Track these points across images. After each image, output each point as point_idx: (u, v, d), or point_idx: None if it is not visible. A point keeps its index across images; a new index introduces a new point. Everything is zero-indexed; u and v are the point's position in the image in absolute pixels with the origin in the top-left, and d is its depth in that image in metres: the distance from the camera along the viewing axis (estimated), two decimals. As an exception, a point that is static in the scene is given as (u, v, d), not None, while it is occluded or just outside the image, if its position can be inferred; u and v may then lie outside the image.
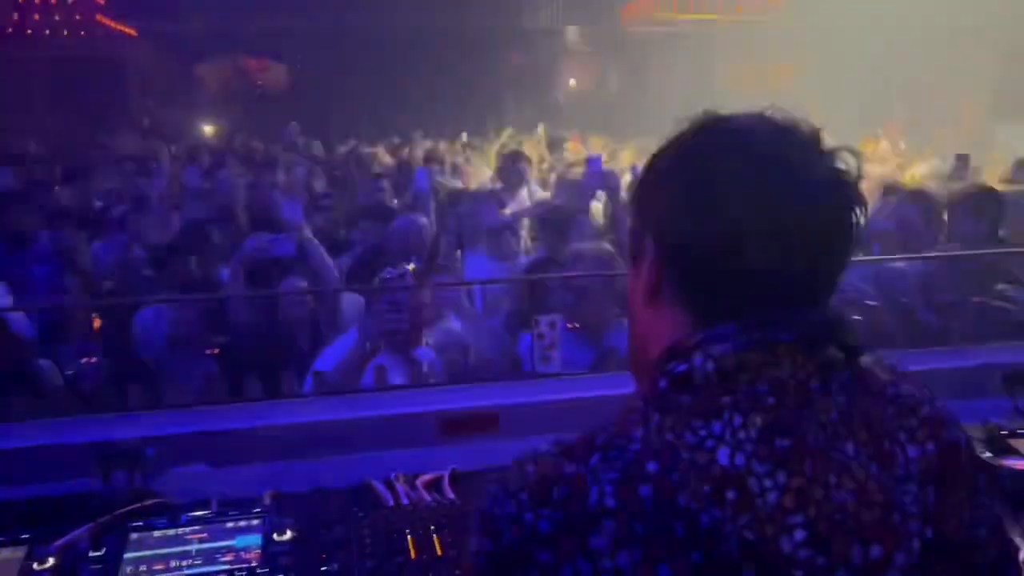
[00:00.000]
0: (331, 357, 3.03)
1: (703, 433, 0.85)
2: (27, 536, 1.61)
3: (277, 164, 7.40)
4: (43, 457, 2.06)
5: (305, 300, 3.47)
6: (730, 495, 0.81)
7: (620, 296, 3.32)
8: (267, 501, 1.89)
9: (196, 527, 1.65)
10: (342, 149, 10.01)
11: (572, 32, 16.78)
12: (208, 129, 13.49)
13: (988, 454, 1.82)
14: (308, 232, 3.94)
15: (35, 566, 1.52)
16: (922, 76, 12.55)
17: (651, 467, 0.82)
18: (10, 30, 11.87)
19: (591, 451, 0.85)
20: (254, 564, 1.54)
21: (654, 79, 15.46)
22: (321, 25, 13.92)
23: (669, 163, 0.98)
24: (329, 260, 3.90)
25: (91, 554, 1.57)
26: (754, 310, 0.91)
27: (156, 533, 1.63)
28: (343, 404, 2.41)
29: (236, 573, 1.52)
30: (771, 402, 0.87)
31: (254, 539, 1.61)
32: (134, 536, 1.62)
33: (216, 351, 3.01)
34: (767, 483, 0.83)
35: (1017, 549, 0.98)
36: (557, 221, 3.98)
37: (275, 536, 1.61)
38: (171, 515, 1.71)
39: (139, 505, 1.80)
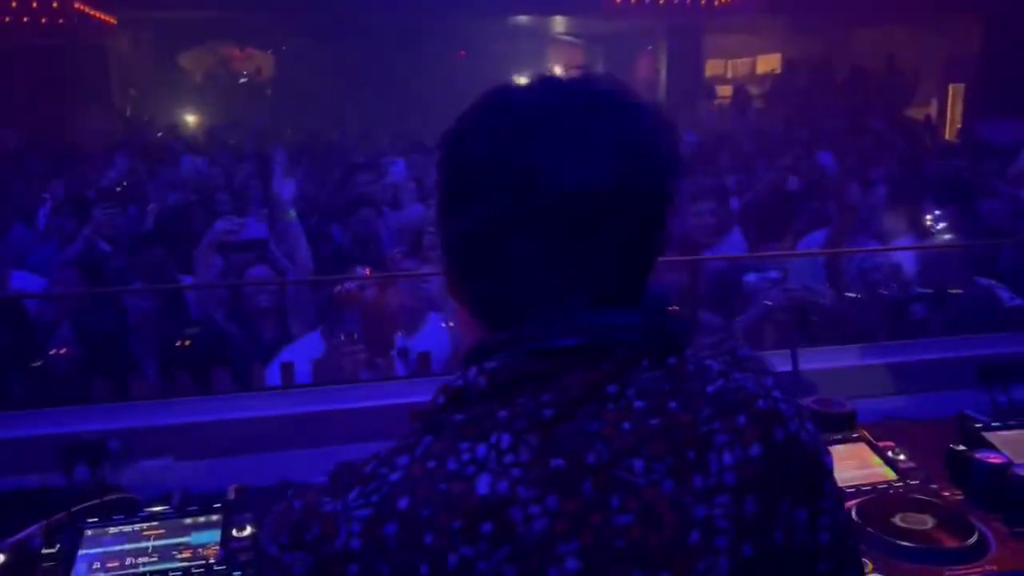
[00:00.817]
0: (299, 350, 3.00)
1: (466, 458, 0.76)
2: (-22, 533, 1.56)
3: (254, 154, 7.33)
4: (5, 451, 2.02)
5: (272, 289, 3.41)
6: (486, 528, 0.73)
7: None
8: (231, 495, 1.86)
9: (154, 523, 1.61)
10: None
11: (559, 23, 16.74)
12: (190, 118, 13.39)
13: (962, 447, 1.80)
14: (293, 213, 3.88)
15: (-15, 564, 1.47)
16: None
17: (402, 503, 0.74)
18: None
19: (353, 484, 0.77)
20: (211, 561, 1.51)
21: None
22: (304, 14, 13.79)
23: (447, 144, 0.86)
24: (306, 247, 3.85)
25: (44, 551, 1.53)
26: (540, 311, 0.80)
27: (112, 529, 1.59)
28: (312, 397, 2.38)
29: (193, 570, 1.48)
30: (548, 415, 0.77)
31: (212, 535, 1.57)
32: (89, 532, 1.58)
33: (187, 342, 2.96)
34: (533, 509, 0.74)
35: (858, 556, 0.88)
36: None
37: (234, 532, 1.57)
38: (129, 511, 1.67)
39: (97, 501, 1.76)
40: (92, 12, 12.23)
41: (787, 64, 14.33)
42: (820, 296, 2.65)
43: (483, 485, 0.74)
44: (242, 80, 16.65)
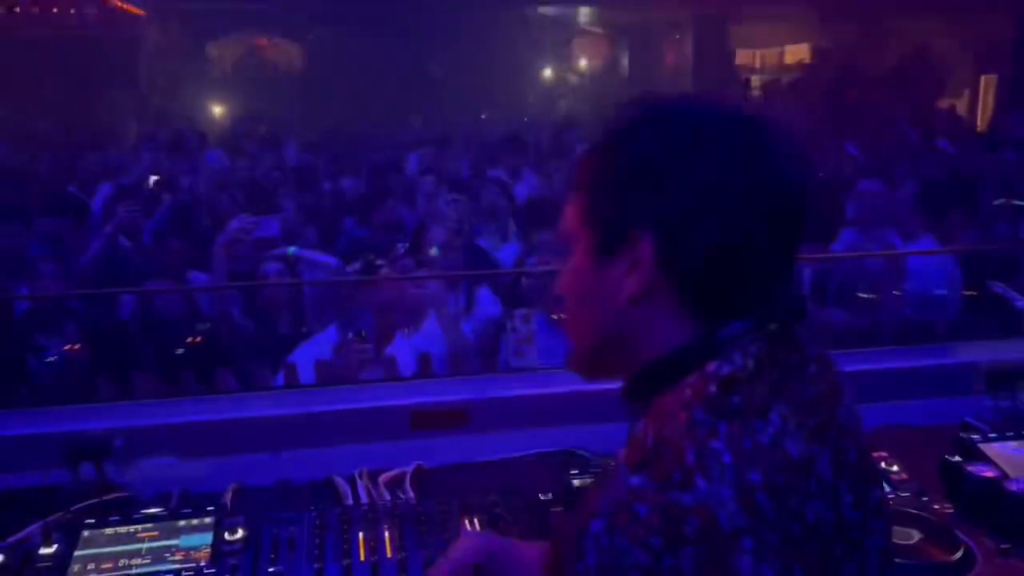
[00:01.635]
0: (316, 345, 3.03)
1: (771, 431, 0.87)
2: (-20, 532, 1.61)
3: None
4: (11, 448, 2.07)
5: (285, 289, 3.45)
6: (812, 484, 0.86)
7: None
8: (230, 494, 1.89)
9: (148, 525, 1.65)
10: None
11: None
12: (218, 109, 13.50)
13: (957, 459, 1.79)
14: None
15: (-17, 563, 1.52)
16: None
17: (754, 477, 0.83)
18: (17, 9, 11.91)
19: (690, 474, 0.82)
20: (202, 564, 1.54)
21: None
22: (331, 4, 13.85)
23: (657, 153, 0.93)
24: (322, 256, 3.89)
25: (41, 551, 1.57)
26: (759, 301, 0.93)
27: (108, 531, 1.63)
28: (314, 397, 2.40)
29: (184, 573, 1.52)
30: (791, 385, 0.90)
31: (205, 538, 1.60)
32: (86, 534, 1.62)
33: (197, 340, 3.01)
34: (820, 462, 0.88)
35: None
36: (541, 211, 3.94)
37: (226, 535, 1.60)
38: (125, 512, 1.71)
39: (96, 500, 1.80)
40: (122, 4, 12.38)
41: (817, 54, 14.12)
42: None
43: (792, 448, 0.86)
44: (270, 70, 16.75)
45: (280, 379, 2.76)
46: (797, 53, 15.12)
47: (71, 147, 7.38)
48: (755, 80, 14.54)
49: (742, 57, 15.97)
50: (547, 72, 16.17)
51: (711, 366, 0.89)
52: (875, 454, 1.87)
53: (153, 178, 5.52)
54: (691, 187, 0.91)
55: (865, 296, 3.38)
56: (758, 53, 16.23)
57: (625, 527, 0.80)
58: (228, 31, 16.10)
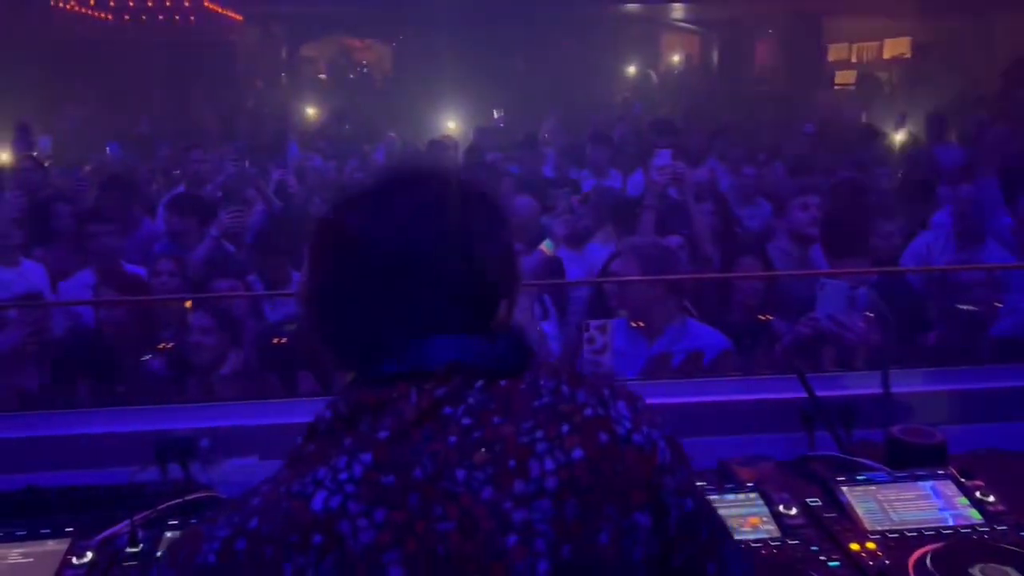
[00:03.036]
0: None
1: (308, 479, 0.85)
2: (71, 529, 1.68)
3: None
4: (103, 445, 2.16)
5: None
6: (316, 539, 0.81)
7: (680, 294, 3.21)
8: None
9: (227, 528, 1.68)
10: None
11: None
12: (312, 111, 13.85)
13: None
14: None
15: (74, 560, 1.59)
16: None
17: (252, 523, 0.84)
18: (127, 16, 12.53)
19: (227, 510, 0.88)
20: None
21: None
22: (419, 6, 14.03)
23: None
24: None
25: (128, 550, 1.63)
26: (379, 350, 0.91)
27: (189, 532, 1.67)
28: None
29: (259, 577, 1.54)
30: (383, 437, 0.86)
31: (280, 543, 1.63)
32: (168, 535, 1.67)
33: (283, 340, 3.09)
34: (361, 523, 0.82)
35: (721, 546, 0.95)
36: (627, 213, 3.89)
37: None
38: (211, 511, 1.75)
39: (180, 500, 1.86)
40: (220, 9, 12.87)
41: (917, 49, 13.55)
42: (847, 329, 2.50)
43: (318, 502, 0.83)
44: (362, 70, 17.11)
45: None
46: (896, 47, 14.53)
47: (172, 149, 7.67)
48: (849, 76, 14.05)
49: (837, 52, 15.46)
50: (635, 70, 16.00)
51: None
52: (970, 482, 1.77)
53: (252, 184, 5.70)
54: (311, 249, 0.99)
55: (965, 308, 3.21)
56: (854, 47, 15.68)
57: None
58: (321, 33, 16.52)
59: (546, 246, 3.95)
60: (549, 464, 0.86)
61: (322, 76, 16.49)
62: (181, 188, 5.87)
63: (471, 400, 0.89)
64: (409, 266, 0.92)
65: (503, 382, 0.91)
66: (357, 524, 0.82)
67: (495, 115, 9.58)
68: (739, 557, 0.99)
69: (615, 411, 0.92)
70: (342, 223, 0.96)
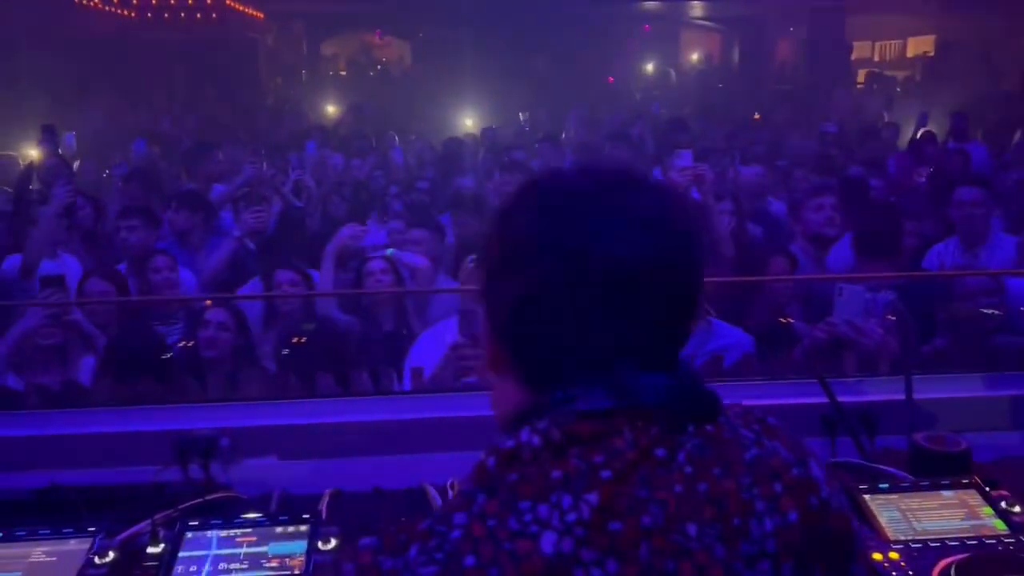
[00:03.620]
0: (422, 352, 3.05)
1: (528, 518, 0.77)
2: (93, 529, 1.69)
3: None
4: (122, 444, 2.18)
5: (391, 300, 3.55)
6: None
7: (707, 297, 3.20)
8: (326, 500, 1.93)
9: (247, 530, 1.70)
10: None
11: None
12: (331, 107, 13.90)
13: None
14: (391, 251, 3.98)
15: (96, 560, 1.60)
16: None
17: (468, 561, 0.76)
18: (149, 15, 12.64)
19: (411, 541, 0.79)
20: (296, 572, 1.58)
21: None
22: (443, 3, 14.07)
23: (493, 227, 0.93)
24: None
25: (149, 550, 1.64)
26: (586, 375, 0.85)
27: (209, 533, 1.68)
28: (411, 404, 2.43)
29: (279, 579, 1.56)
30: (606, 477, 0.80)
31: (299, 546, 1.64)
32: (189, 535, 1.68)
33: (303, 340, 3.10)
34: (595, 572, 0.76)
35: None
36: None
37: (319, 545, 1.64)
38: (227, 515, 1.77)
39: (200, 500, 1.88)
40: (242, 7, 12.94)
41: (941, 47, 13.40)
42: (865, 335, 2.47)
43: (548, 544, 0.76)
44: (380, 67, 17.15)
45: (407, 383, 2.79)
46: (920, 45, 14.39)
47: (194, 146, 7.73)
48: (873, 74, 13.91)
49: (860, 50, 15.32)
50: (654, 68, 15.93)
51: (502, 439, 0.84)
52: (995, 492, 1.75)
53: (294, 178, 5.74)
54: (495, 251, 0.91)
55: (988, 312, 3.17)
56: (877, 45, 15.54)
57: None
58: (341, 30, 16.58)
59: None
60: (768, 525, 0.83)
61: (342, 73, 16.53)
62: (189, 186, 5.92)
63: (690, 446, 0.84)
64: (629, 282, 0.84)
65: (709, 427, 0.86)
66: (592, 574, 0.76)
67: (521, 118, 9.54)
68: None
69: (814, 471, 0.88)
70: (558, 234, 0.86)
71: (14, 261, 4.13)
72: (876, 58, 15.26)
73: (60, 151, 7.37)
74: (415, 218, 4.42)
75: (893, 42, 15.06)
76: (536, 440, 0.82)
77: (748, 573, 0.81)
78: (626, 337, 0.85)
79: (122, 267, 4.14)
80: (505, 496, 0.79)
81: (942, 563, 1.51)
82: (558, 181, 0.92)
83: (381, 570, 0.78)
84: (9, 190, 6.46)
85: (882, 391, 2.29)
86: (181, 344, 3.23)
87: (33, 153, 7.70)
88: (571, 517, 0.77)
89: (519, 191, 0.93)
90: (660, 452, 0.83)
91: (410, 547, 0.79)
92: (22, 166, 7.42)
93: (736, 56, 16.24)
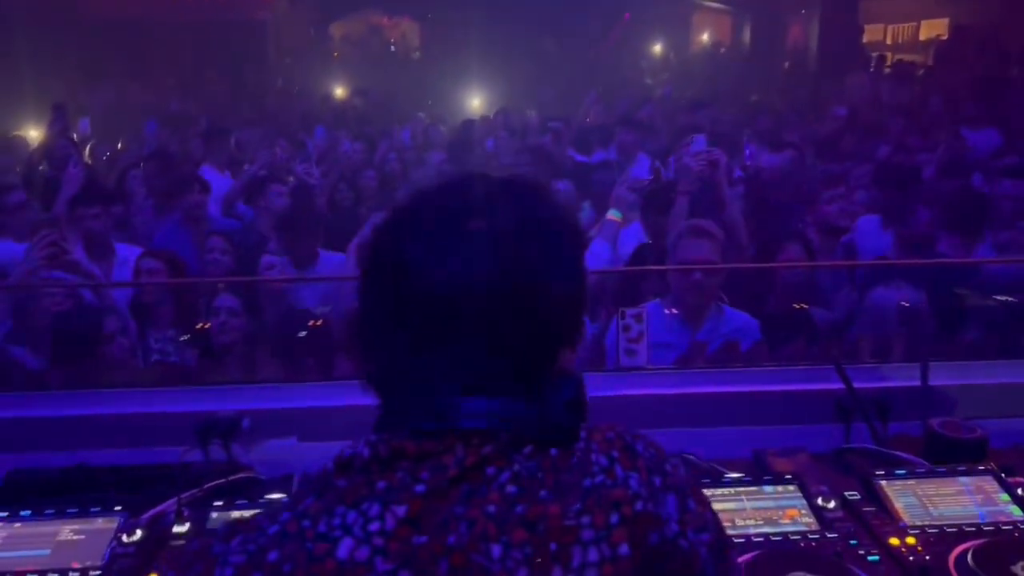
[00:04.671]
0: None
1: (336, 522, 0.80)
2: (120, 507, 1.72)
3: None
4: (146, 424, 2.21)
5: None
6: None
7: (723, 281, 3.21)
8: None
9: (271, 509, 1.72)
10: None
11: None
12: (339, 89, 13.87)
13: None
14: None
15: (124, 538, 1.63)
16: None
17: (272, 556, 0.80)
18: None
19: (243, 530, 0.84)
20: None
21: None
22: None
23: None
24: None
25: (175, 529, 1.67)
26: (417, 394, 0.86)
27: (235, 513, 1.71)
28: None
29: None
30: (419, 491, 0.81)
31: (323, 526, 1.66)
32: (214, 515, 1.70)
33: (319, 323, 3.12)
34: None
35: None
36: (661, 200, 3.87)
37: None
38: (250, 495, 1.79)
39: (224, 480, 1.90)
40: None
41: (955, 30, 13.27)
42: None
43: (343, 549, 0.79)
44: (391, 49, 17.07)
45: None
46: (934, 28, 14.26)
47: (210, 128, 7.74)
48: (885, 57, 13.79)
49: (872, 33, 15.18)
50: (665, 49, 15.83)
51: (346, 448, 0.88)
52: (1011, 478, 1.76)
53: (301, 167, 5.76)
54: (361, 265, 0.93)
55: (1001, 299, 3.16)
56: (890, 28, 15.40)
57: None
58: (350, 10, 16.49)
59: (613, 214, 3.92)
60: (593, 555, 0.80)
61: (350, 54, 16.47)
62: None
63: (517, 467, 0.83)
64: (455, 307, 0.84)
65: (553, 451, 0.85)
66: None
67: (530, 114, 9.50)
68: None
69: (664, 509, 0.84)
70: (389, 251, 0.89)
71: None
72: (889, 41, 15.13)
73: (75, 135, 7.37)
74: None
75: (906, 25, 14.93)
76: (366, 451, 0.85)
77: None
78: (455, 361, 0.86)
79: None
80: (329, 500, 0.83)
81: (959, 548, 1.53)
82: (414, 202, 0.92)
83: (208, 553, 0.83)
84: (18, 171, 6.48)
85: (897, 378, 2.30)
86: (198, 327, 3.25)
87: (34, 134, 7.71)
88: (374, 526, 0.80)
89: (394, 209, 0.94)
90: (490, 470, 0.83)
91: (238, 536, 0.84)
92: (31, 147, 7.45)
93: (748, 39, 16.11)
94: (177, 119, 9.13)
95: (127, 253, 4.04)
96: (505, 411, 0.85)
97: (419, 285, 0.85)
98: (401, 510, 0.80)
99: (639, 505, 0.83)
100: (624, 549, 0.81)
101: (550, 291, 0.87)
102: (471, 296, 0.84)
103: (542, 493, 0.82)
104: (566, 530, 0.80)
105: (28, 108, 9.13)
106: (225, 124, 8.09)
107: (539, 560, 0.79)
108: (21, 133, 8.41)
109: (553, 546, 0.80)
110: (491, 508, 0.81)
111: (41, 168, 6.37)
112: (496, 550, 0.79)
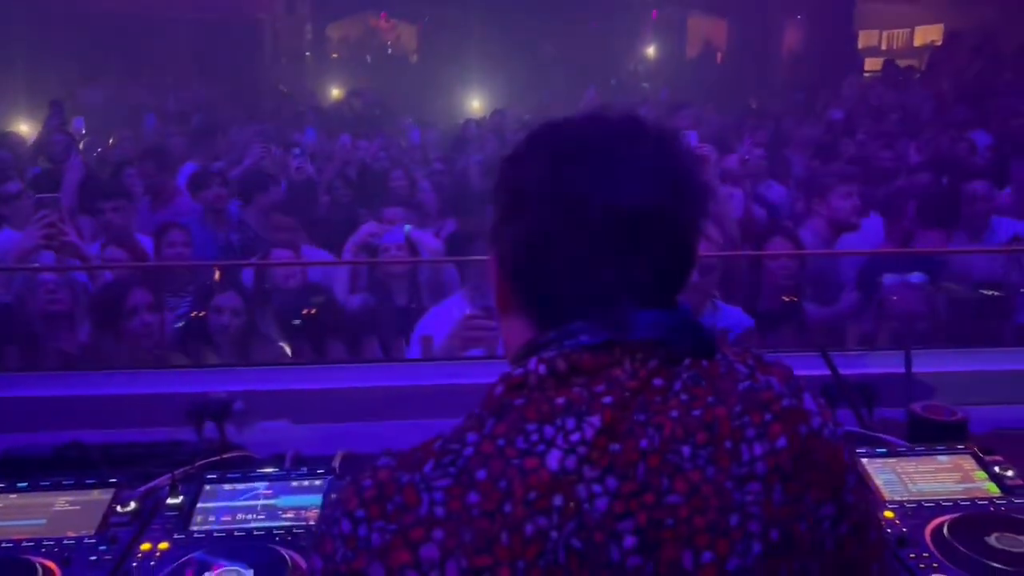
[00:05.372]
0: (444, 312, 3.09)
1: (535, 438, 0.83)
2: (115, 480, 1.75)
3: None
4: (142, 405, 2.24)
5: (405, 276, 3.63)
6: (557, 501, 0.80)
7: (719, 276, 3.25)
8: (338, 461, 1.99)
9: (264, 483, 1.75)
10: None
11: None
12: (336, 90, 13.90)
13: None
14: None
15: (118, 508, 1.65)
16: None
17: (480, 474, 0.82)
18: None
19: (426, 458, 0.85)
20: (311, 523, 1.63)
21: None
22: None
23: (500, 176, 0.98)
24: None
25: (168, 501, 1.70)
26: (588, 311, 0.90)
27: (227, 486, 1.74)
28: (419, 371, 2.49)
29: (295, 529, 1.61)
30: (607, 402, 0.85)
31: (315, 499, 1.69)
32: (208, 488, 1.73)
33: (313, 311, 3.15)
34: (596, 488, 0.82)
35: (882, 551, 0.95)
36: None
37: (333, 496, 1.68)
38: (244, 470, 1.82)
39: (218, 457, 1.93)
40: (249, -14, 12.91)
41: (949, 36, 13.35)
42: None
43: (553, 460, 0.82)
44: (388, 50, 17.12)
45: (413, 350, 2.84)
46: (928, 34, 14.35)
47: (202, 125, 7.76)
48: (877, 63, 13.88)
49: (866, 38, 15.28)
50: (660, 53, 15.89)
51: (511, 370, 0.90)
52: (988, 457, 1.80)
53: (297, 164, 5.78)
54: (503, 197, 0.96)
55: (987, 293, 3.21)
56: (884, 34, 15.49)
57: (342, 498, 0.85)
58: (347, 12, 16.53)
59: None
60: (758, 449, 0.87)
61: (347, 55, 16.50)
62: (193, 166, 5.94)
63: (685, 377, 0.89)
64: (629, 228, 0.90)
65: (704, 363, 0.91)
66: (593, 489, 0.82)
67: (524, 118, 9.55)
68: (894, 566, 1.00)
69: (807, 403, 0.92)
70: (560, 181, 0.91)
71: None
72: (883, 47, 15.22)
73: (69, 130, 7.40)
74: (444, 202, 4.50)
75: (901, 31, 15.03)
76: (543, 368, 0.88)
77: (737, 493, 0.85)
78: (625, 277, 0.91)
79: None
80: (513, 419, 0.85)
81: (935, 521, 1.56)
82: (564, 131, 0.96)
83: (400, 484, 0.83)
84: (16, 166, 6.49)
85: (882, 364, 2.34)
86: (193, 315, 3.28)
87: (26, 129, 7.72)
88: (575, 437, 0.83)
89: (528, 138, 0.97)
90: (658, 381, 0.88)
91: (425, 463, 0.84)
92: (28, 143, 7.47)
93: (742, 44, 16.18)
94: (173, 116, 9.15)
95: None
96: (668, 323, 0.91)
97: (594, 213, 0.89)
98: (595, 420, 0.84)
99: (785, 402, 0.91)
100: (781, 442, 0.88)
101: (697, 215, 0.94)
102: (641, 220, 0.90)
103: (709, 399, 0.88)
104: (734, 429, 0.88)
105: (23, 104, 9.14)
106: (219, 122, 8.12)
107: (720, 456, 0.86)
108: (15, 129, 8.43)
109: (728, 444, 0.87)
110: (674, 413, 0.87)
111: (39, 162, 6.38)
112: (686, 450, 0.85)
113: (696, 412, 0.87)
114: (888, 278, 3.27)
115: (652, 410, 0.86)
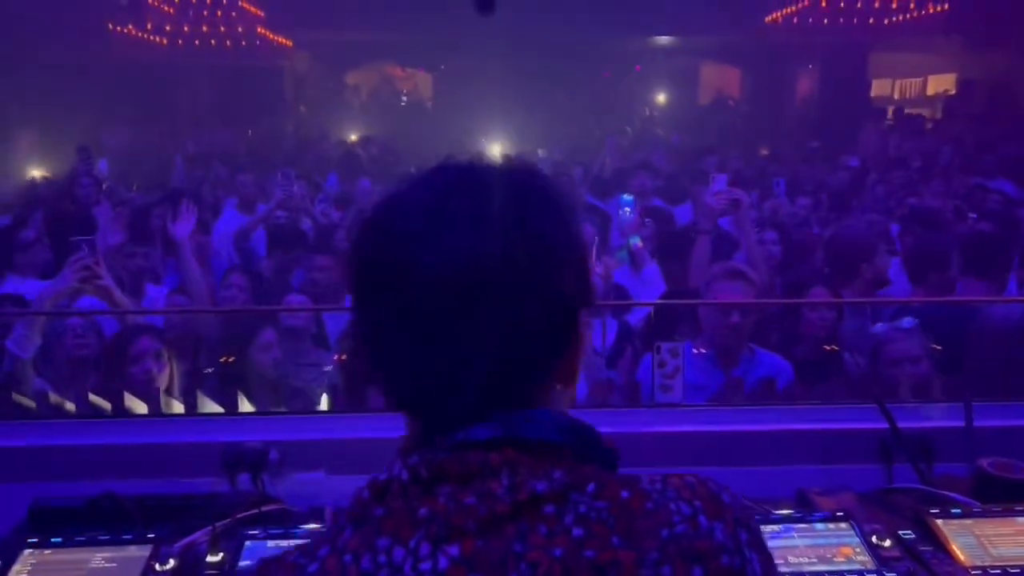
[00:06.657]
0: None
1: (383, 559, 0.74)
2: (152, 536, 1.68)
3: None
4: (175, 454, 2.17)
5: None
6: None
7: (754, 322, 3.19)
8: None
9: (306, 540, 1.67)
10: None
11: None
12: (353, 136, 14.02)
13: None
14: None
15: (157, 567, 1.58)
16: None
17: None
18: (180, 41, 12.85)
19: (280, 571, 0.79)
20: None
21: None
22: (465, 35, 14.22)
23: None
24: None
25: (208, 559, 1.62)
26: (440, 403, 0.78)
27: (270, 543, 1.67)
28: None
29: (341, 590, 1.53)
30: (472, 528, 0.73)
31: (361, 557, 1.62)
32: (249, 544, 1.66)
33: (343, 357, 3.09)
34: None
35: None
36: (678, 244, 3.88)
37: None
38: (286, 524, 1.75)
39: (256, 511, 1.86)
40: (272, 35, 13.15)
41: (962, 85, 13.43)
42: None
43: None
44: (404, 99, 17.33)
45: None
46: (941, 83, 14.43)
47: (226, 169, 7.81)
48: (889, 112, 13.96)
49: (879, 87, 15.37)
50: (673, 100, 16.03)
51: (382, 472, 0.81)
52: None
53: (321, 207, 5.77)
54: (349, 279, 0.84)
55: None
56: (897, 83, 15.60)
57: None
58: (366, 60, 16.78)
59: (634, 241, 3.93)
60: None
61: (364, 103, 16.71)
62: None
63: (583, 508, 0.75)
64: (465, 298, 0.76)
65: (625, 493, 0.77)
66: None
67: (540, 153, 9.56)
68: None
69: (750, 567, 0.77)
70: (381, 254, 0.80)
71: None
72: (896, 96, 15.31)
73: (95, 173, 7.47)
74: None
75: (914, 80, 15.12)
76: (404, 474, 0.78)
77: None
78: (465, 361, 0.78)
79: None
80: (368, 532, 0.77)
81: (1024, 589, 1.48)
82: (395, 194, 0.84)
83: None
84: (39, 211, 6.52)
85: (937, 418, 2.26)
86: (222, 360, 3.23)
87: (46, 174, 7.76)
88: (425, 566, 0.73)
89: (367, 213, 0.86)
90: (548, 509, 0.75)
91: (269, 571, 0.79)
92: (51, 187, 7.52)
93: (755, 92, 16.32)
94: (194, 160, 9.24)
95: (155, 293, 4.07)
96: (555, 426, 0.78)
97: (427, 274, 0.76)
98: (454, 551, 0.73)
99: (725, 559, 0.76)
100: None
101: (556, 268, 0.80)
102: (471, 284, 0.77)
103: (614, 539, 0.74)
104: None
105: (49, 149, 9.23)
106: (239, 167, 8.18)
107: None
108: (41, 173, 8.51)
109: None
110: (557, 552, 0.73)
111: (64, 205, 6.41)
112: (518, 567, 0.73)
113: (589, 553, 0.73)
114: (880, 326, 3.21)
115: (532, 543, 0.73)
